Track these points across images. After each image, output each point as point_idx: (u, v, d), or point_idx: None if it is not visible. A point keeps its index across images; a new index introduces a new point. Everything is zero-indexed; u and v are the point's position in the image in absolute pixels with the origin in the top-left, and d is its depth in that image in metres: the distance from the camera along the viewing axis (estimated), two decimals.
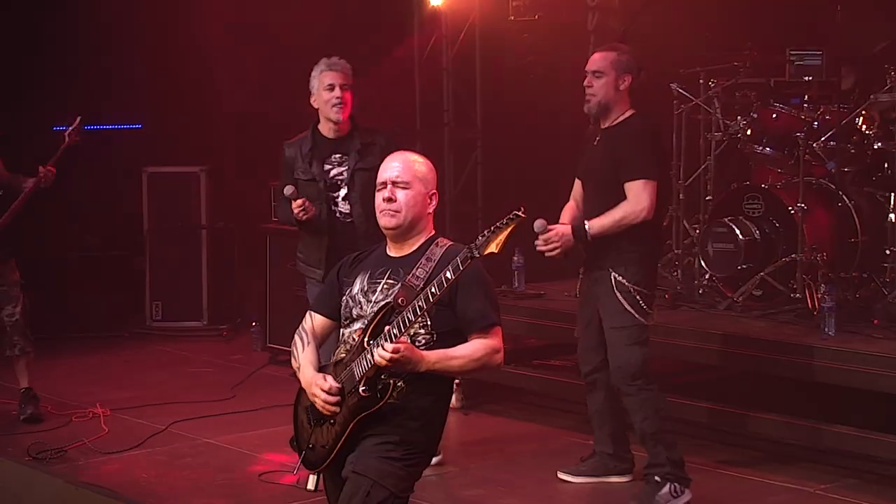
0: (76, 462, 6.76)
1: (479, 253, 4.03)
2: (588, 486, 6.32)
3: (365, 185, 6.12)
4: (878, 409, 6.36)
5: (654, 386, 6.00)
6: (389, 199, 4.42)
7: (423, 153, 4.67)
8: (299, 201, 6.29)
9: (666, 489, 5.86)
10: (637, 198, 5.81)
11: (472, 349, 4.30)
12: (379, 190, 4.47)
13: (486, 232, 4.04)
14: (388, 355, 4.12)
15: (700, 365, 6.99)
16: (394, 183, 4.43)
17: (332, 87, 6.34)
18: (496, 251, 4.03)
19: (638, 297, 5.89)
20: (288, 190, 6.34)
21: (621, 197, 5.86)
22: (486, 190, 9.25)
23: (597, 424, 6.38)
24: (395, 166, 4.48)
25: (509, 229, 4.02)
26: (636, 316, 5.91)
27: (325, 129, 6.48)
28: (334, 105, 6.35)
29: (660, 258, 6.20)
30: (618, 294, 5.90)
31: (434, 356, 4.25)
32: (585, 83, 6.03)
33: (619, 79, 5.97)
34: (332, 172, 6.43)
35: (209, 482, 6.53)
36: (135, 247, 10.47)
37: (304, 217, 6.33)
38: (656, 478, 5.89)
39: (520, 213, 4.05)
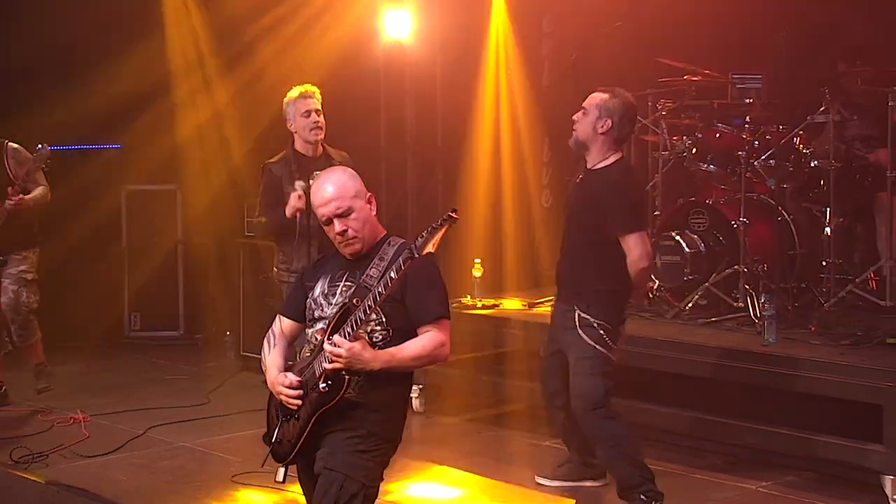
0: (57, 465, 6.69)
1: (417, 253, 4.04)
2: (548, 486, 6.30)
3: None
4: (816, 412, 6.39)
5: (615, 415, 5.80)
6: (343, 233, 4.39)
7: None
8: (299, 192, 6.56)
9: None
10: (632, 252, 5.61)
11: (420, 345, 4.31)
12: (326, 225, 4.43)
13: (423, 233, 4.06)
14: (334, 351, 4.15)
15: (648, 370, 6.98)
16: (338, 217, 4.38)
17: (308, 114, 6.83)
18: (433, 250, 4.06)
19: (602, 332, 5.69)
20: (300, 185, 6.59)
21: (597, 237, 5.69)
22: (447, 206, 9.23)
23: (564, 439, 6.27)
24: (329, 199, 4.39)
25: (443, 230, 4.06)
26: (597, 347, 5.70)
27: (304, 148, 6.90)
28: (312, 129, 6.83)
29: (629, 295, 5.84)
30: (580, 330, 5.71)
31: (385, 355, 4.26)
32: (574, 116, 5.81)
33: (599, 120, 5.67)
34: None
35: (185, 484, 6.48)
36: (114, 260, 10.41)
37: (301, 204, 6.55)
38: (642, 496, 5.66)
39: (453, 215, 4.07)
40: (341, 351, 4.15)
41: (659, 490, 5.71)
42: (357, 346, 4.18)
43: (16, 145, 7.86)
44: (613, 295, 5.76)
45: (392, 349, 4.28)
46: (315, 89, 6.90)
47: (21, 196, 7.64)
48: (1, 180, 7.72)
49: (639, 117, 8.01)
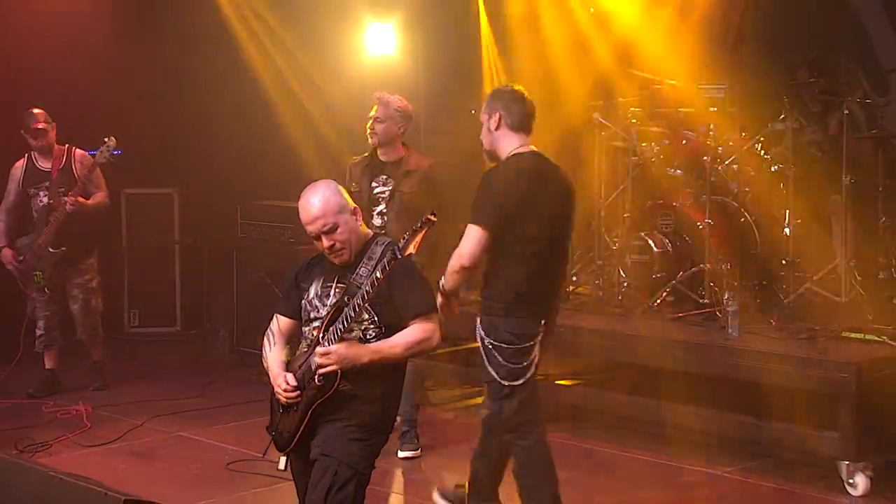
0: (60, 454, 6.70)
1: (400, 254, 4.10)
2: None
3: (402, 204, 6.41)
4: (776, 401, 6.43)
5: (530, 437, 5.06)
6: (331, 247, 4.41)
7: None
8: None
9: None
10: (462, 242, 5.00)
11: (408, 335, 4.34)
12: (316, 241, 4.45)
13: (406, 235, 4.10)
14: (322, 360, 4.21)
15: (620, 362, 7.02)
16: (324, 233, 4.39)
17: (370, 119, 6.57)
18: (414, 251, 4.11)
19: (496, 353, 4.93)
20: None
21: None
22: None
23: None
24: (315, 217, 4.38)
25: (423, 232, 4.10)
26: (492, 373, 4.98)
27: (380, 152, 6.66)
28: (368, 133, 6.60)
29: (520, 307, 4.96)
30: (481, 348, 5.06)
31: (373, 347, 4.31)
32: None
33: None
34: (376, 190, 6.58)
35: (182, 471, 6.49)
36: (114, 261, 10.38)
37: None
38: None
39: (431, 217, 4.11)
40: (331, 357, 4.20)
41: None
42: (342, 347, 4.22)
43: (82, 151, 8.15)
44: (511, 308, 4.96)
45: (379, 342, 4.33)
46: (389, 97, 6.57)
47: (79, 198, 7.86)
48: (68, 181, 7.96)
49: (610, 124, 8.07)
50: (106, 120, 9.91)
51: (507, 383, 4.97)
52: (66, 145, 8.14)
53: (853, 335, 6.48)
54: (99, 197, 8.10)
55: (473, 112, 9.25)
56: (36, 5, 9.51)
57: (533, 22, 9.51)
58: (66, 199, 7.85)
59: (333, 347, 4.21)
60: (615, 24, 8.20)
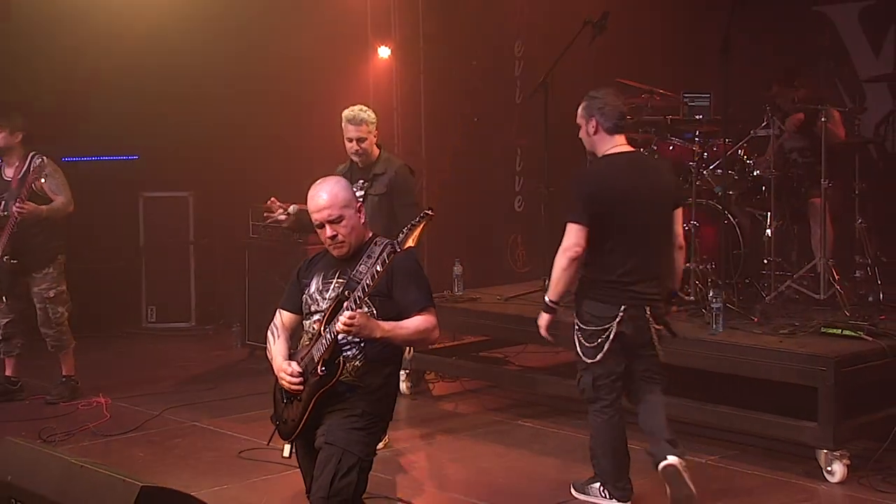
0: (81, 443, 6.71)
1: (399, 248, 4.07)
2: (522, 462, 6.31)
3: (372, 206, 6.35)
4: (758, 393, 6.43)
5: (599, 412, 5.41)
6: (333, 237, 4.42)
7: None
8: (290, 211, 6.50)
9: (596, 485, 5.60)
10: None
11: (416, 323, 4.36)
12: (319, 229, 4.46)
13: (404, 230, 4.08)
14: (347, 321, 4.15)
15: None
16: (329, 223, 4.41)
17: (350, 140, 6.53)
18: (413, 244, 4.08)
19: (577, 331, 5.29)
20: (293, 208, 6.47)
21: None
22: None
23: None
24: (322, 206, 4.41)
25: (421, 226, 4.07)
26: (576, 349, 5.34)
27: (359, 160, 6.65)
28: (352, 154, 6.57)
29: (601, 292, 5.24)
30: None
31: (387, 325, 4.30)
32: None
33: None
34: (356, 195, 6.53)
35: (197, 459, 6.50)
36: (133, 259, 10.41)
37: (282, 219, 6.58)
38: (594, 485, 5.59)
39: (429, 213, 4.10)
40: (352, 321, 4.16)
41: (620, 490, 5.48)
42: (363, 316, 4.22)
43: (41, 159, 7.50)
44: (582, 291, 5.33)
45: (393, 322, 4.32)
46: (363, 115, 6.51)
47: (26, 204, 7.33)
48: (22, 190, 7.43)
49: None
50: (128, 125, 9.97)
51: (584, 360, 5.30)
52: (32, 153, 7.51)
53: (831, 331, 6.47)
54: (57, 203, 7.52)
55: (476, 120, 9.36)
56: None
57: (527, 32, 9.54)
58: (14, 207, 7.32)
59: (357, 313, 4.17)
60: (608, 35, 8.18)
